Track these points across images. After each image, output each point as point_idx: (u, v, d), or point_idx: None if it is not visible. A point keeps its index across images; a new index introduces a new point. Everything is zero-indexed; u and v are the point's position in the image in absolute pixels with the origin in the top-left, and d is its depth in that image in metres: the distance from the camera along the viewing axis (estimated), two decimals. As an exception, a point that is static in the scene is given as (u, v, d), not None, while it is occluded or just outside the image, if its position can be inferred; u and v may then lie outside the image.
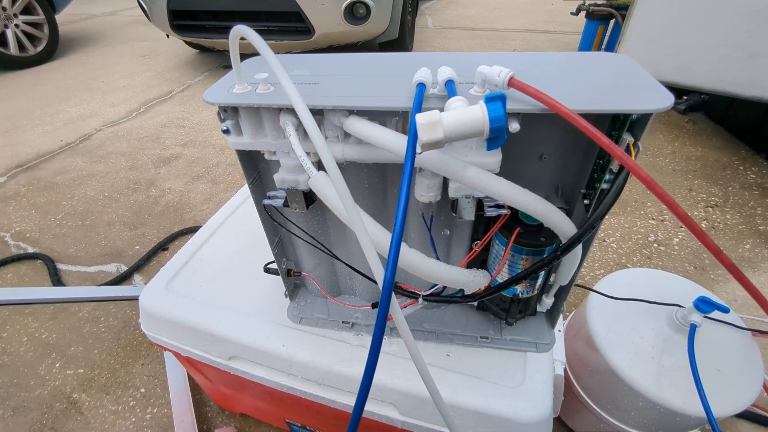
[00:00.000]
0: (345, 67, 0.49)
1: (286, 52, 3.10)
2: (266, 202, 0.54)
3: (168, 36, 3.26)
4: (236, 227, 0.94)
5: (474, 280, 0.50)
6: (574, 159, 0.51)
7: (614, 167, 0.44)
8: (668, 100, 0.36)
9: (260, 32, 0.35)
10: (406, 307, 0.58)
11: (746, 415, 1.01)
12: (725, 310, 0.68)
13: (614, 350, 0.75)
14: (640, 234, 1.61)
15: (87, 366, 1.21)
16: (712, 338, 0.73)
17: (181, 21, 2.98)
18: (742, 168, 1.98)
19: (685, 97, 2.58)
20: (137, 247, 1.63)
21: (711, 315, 0.70)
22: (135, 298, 1.36)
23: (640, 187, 1.87)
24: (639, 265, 1.48)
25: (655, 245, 1.55)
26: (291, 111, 0.43)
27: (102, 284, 1.45)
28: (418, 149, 0.30)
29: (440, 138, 0.28)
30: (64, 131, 2.56)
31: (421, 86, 0.37)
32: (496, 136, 0.28)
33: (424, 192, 0.47)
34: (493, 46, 3.92)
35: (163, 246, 1.62)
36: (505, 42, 4.02)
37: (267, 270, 0.71)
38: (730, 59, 1.93)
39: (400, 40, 3.28)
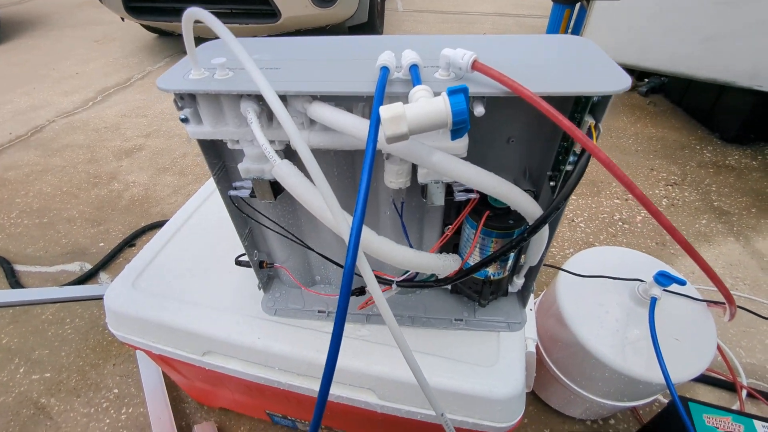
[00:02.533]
0: (307, 51, 0.47)
1: (252, 36, 2.99)
2: (232, 193, 0.52)
3: (123, 19, 3.06)
4: (205, 219, 0.91)
5: (445, 265, 0.51)
6: (540, 142, 0.52)
7: (577, 149, 0.45)
8: (626, 82, 0.37)
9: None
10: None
11: (702, 379, 1.09)
12: (682, 283, 0.72)
13: (582, 325, 0.78)
14: (606, 213, 1.67)
15: (54, 370, 1.16)
16: (671, 309, 0.77)
17: (136, 2, 2.80)
18: (698, 147, 2.08)
19: (646, 80, 2.67)
20: (101, 244, 1.56)
21: (669, 288, 0.74)
22: (101, 298, 1.30)
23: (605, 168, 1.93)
24: (605, 243, 1.54)
25: (620, 223, 1.62)
26: (252, 97, 0.41)
27: (65, 284, 1.38)
28: (383, 142, 0.30)
29: (405, 132, 0.28)
30: (13, 123, 2.38)
31: (385, 70, 0.36)
32: (460, 128, 0.28)
33: (393, 178, 0.46)
34: (463, 29, 3.91)
35: (130, 242, 1.55)
36: (475, 25, 4.02)
37: (238, 263, 0.70)
38: (686, 42, 2.00)
39: (369, 24, 3.22)
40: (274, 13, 2.64)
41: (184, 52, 0.41)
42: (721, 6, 1.86)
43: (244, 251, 0.66)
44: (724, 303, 0.75)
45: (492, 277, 0.60)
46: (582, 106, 0.43)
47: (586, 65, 0.42)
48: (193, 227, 0.89)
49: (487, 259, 0.48)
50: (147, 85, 2.82)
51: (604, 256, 0.92)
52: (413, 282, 0.56)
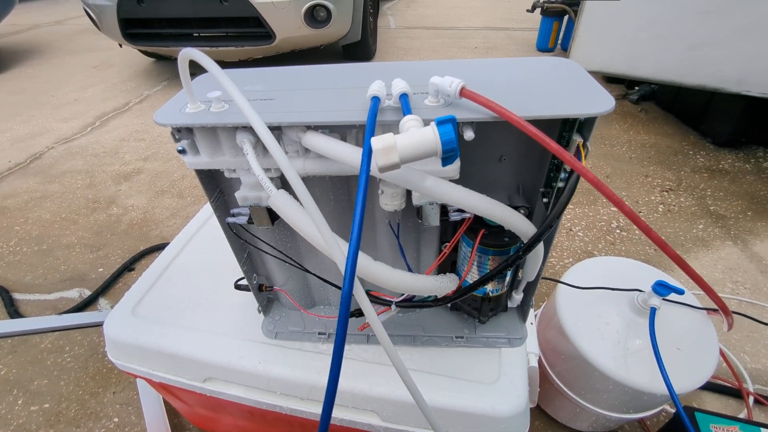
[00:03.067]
0: (299, 80, 0.48)
1: (248, 59, 3.04)
2: (230, 220, 0.53)
3: (121, 45, 3.12)
4: (205, 243, 0.91)
5: (442, 286, 0.51)
6: (532, 160, 0.53)
7: (567, 167, 0.46)
8: (610, 103, 0.38)
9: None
10: (379, 314, 0.58)
11: (708, 386, 1.08)
12: (680, 292, 0.72)
13: (583, 337, 0.78)
14: (603, 221, 1.68)
15: (53, 400, 1.14)
16: (671, 319, 0.77)
17: (134, 29, 2.86)
18: (691, 152, 2.10)
19: (636, 88, 2.71)
20: (101, 269, 1.56)
21: (668, 297, 0.74)
22: (101, 324, 1.30)
23: (602, 175, 1.95)
24: (604, 251, 1.54)
25: (618, 231, 1.63)
26: (247, 129, 0.42)
27: (64, 312, 1.37)
28: (376, 170, 0.31)
29: (396, 162, 0.29)
30: (12, 151, 2.40)
31: (375, 100, 0.37)
32: (450, 156, 0.29)
33: (389, 201, 0.47)
34: (455, 44, 3.99)
35: (129, 266, 1.55)
36: (467, 40, 4.10)
37: (238, 287, 0.70)
38: (673, 51, 2.04)
39: (363, 42, 3.28)
40: (268, 35, 2.69)
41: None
42: (705, 15, 1.91)
43: (243, 275, 0.66)
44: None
45: (491, 293, 0.60)
46: (570, 126, 0.44)
47: (571, 87, 0.43)
48: (192, 251, 0.89)
49: (484, 278, 0.49)
50: (145, 109, 2.86)
51: (603, 266, 0.92)
52: (412, 302, 0.56)
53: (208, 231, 0.94)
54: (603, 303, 0.81)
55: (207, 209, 1.01)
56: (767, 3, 1.72)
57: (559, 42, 3.74)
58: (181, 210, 1.86)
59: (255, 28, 2.67)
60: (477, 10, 5.34)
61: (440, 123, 0.29)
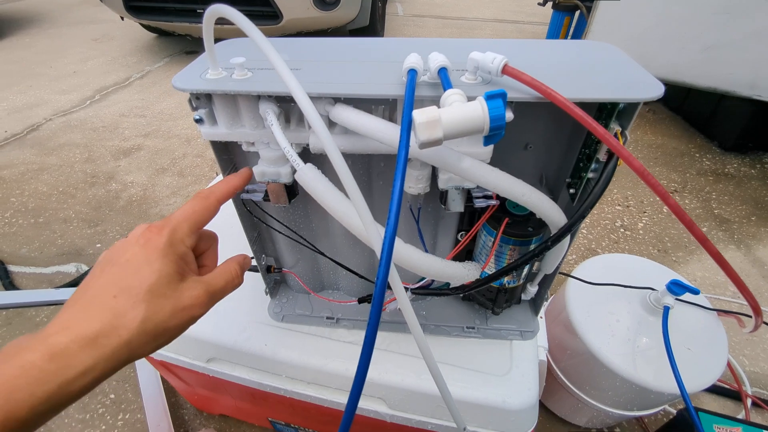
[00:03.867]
0: (326, 51, 0.46)
1: (253, 38, 2.97)
2: (245, 196, 0.51)
3: (122, 18, 3.04)
4: (210, 221, 0.89)
5: (469, 273, 0.50)
6: (558, 148, 0.52)
7: (601, 156, 0.44)
8: (658, 89, 0.36)
9: None
10: (392, 301, 0.57)
11: (709, 388, 1.08)
12: (695, 292, 0.71)
13: (592, 333, 0.77)
14: (608, 220, 1.68)
15: (47, 374, 1.13)
16: (682, 319, 0.77)
17: (137, 2, 2.78)
18: (698, 155, 2.09)
19: (646, 87, 2.68)
20: (98, 245, 1.53)
21: (682, 297, 0.73)
22: (98, 300, 1.28)
23: (606, 175, 1.94)
24: (607, 250, 1.54)
25: (622, 230, 1.62)
26: (271, 98, 0.40)
27: (61, 286, 1.35)
28: (417, 146, 0.29)
29: (440, 137, 0.27)
30: (8, 121, 2.35)
31: (413, 73, 0.35)
32: (495, 134, 0.27)
33: (413, 184, 0.45)
34: (463, 35, 3.93)
35: (128, 243, 1.52)
36: (475, 31, 4.04)
37: (245, 267, 0.68)
38: (686, 51, 2.02)
39: (371, 28, 3.22)
40: (275, 15, 2.63)
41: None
42: (720, 16, 1.88)
43: (250, 254, 0.64)
44: (735, 313, 0.75)
45: (507, 285, 0.59)
46: (607, 113, 0.42)
47: (614, 71, 0.41)
48: (196, 230, 0.87)
49: (508, 268, 0.47)
50: (146, 85, 2.80)
51: (612, 263, 0.91)
52: (428, 290, 0.55)
53: (214, 210, 0.92)
54: (614, 300, 0.80)
55: (212, 188, 0.98)
56: (786, 6, 1.70)
57: (569, 38, 3.69)
58: (181, 189, 1.83)
59: (261, 6, 2.61)
60: (487, 1, 5.26)
61: (490, 97, 0.27)
